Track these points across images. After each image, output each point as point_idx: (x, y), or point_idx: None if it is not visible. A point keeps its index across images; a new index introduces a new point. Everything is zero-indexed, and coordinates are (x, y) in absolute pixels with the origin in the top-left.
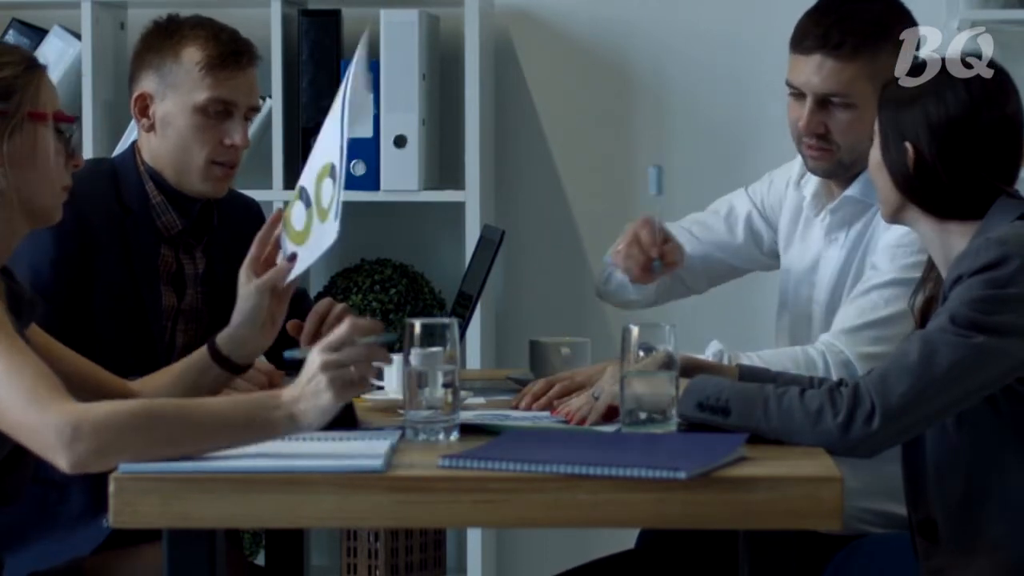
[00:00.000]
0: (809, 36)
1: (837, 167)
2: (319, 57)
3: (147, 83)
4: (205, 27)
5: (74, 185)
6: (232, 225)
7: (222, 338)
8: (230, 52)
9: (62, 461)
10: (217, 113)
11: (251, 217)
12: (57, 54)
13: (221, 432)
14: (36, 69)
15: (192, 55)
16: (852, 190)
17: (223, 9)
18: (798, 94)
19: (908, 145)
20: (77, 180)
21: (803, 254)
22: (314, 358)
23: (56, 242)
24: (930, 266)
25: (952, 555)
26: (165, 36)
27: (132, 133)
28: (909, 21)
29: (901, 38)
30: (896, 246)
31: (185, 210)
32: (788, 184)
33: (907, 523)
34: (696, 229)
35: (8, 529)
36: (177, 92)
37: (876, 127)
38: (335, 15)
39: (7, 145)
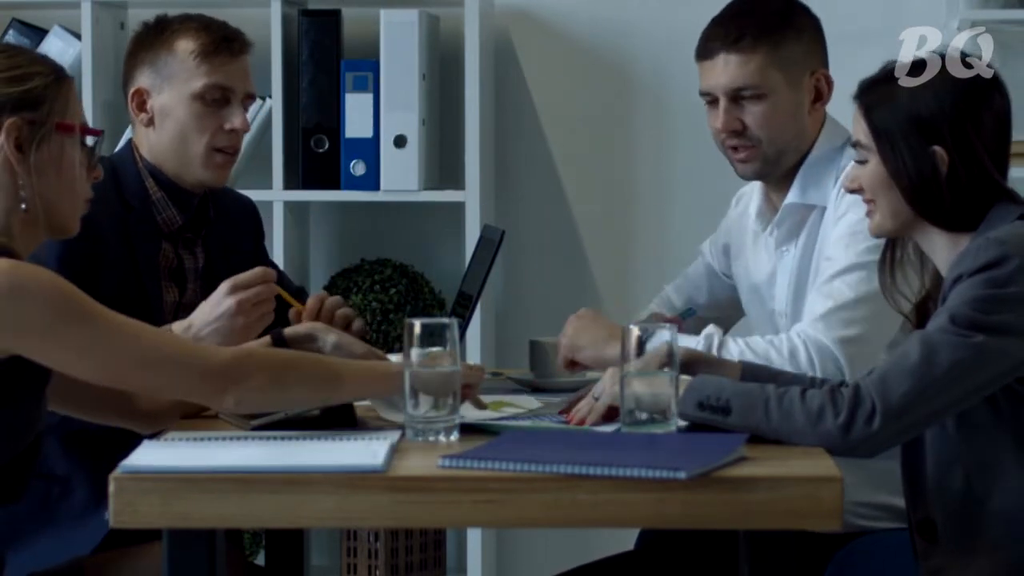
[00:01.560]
0: (711, 40)
1: (764, 164)
2: (319, 57)
3: (142, 79)
4: (195, 19)
5: None
6: (229, 221)
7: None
8: (222, 38)
9: (230, 398)
10: (215, 100)
11: (247, 213)
12: (57, 54)
13: (344, 377)
14: (65, 80)
15: (185, 45)
16: (791, 196)
17: (223, 9)
18: (712, 100)
19: (938, 149)
20: None
21: (757, 268)
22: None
23: (61, 240)
24: (921, 261)
25: (951, 555)
26: (156, 33)
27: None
28: (807, 13)
29: (803, 26)
30: (849, 235)
31: (184, 205)
32: (735, 205)
33: (904, 513)
34: (686, 294)
35: (10, 526)
36: (173, 83)
37: (869, 142)
38: (335, 15)
39: (34, 155)
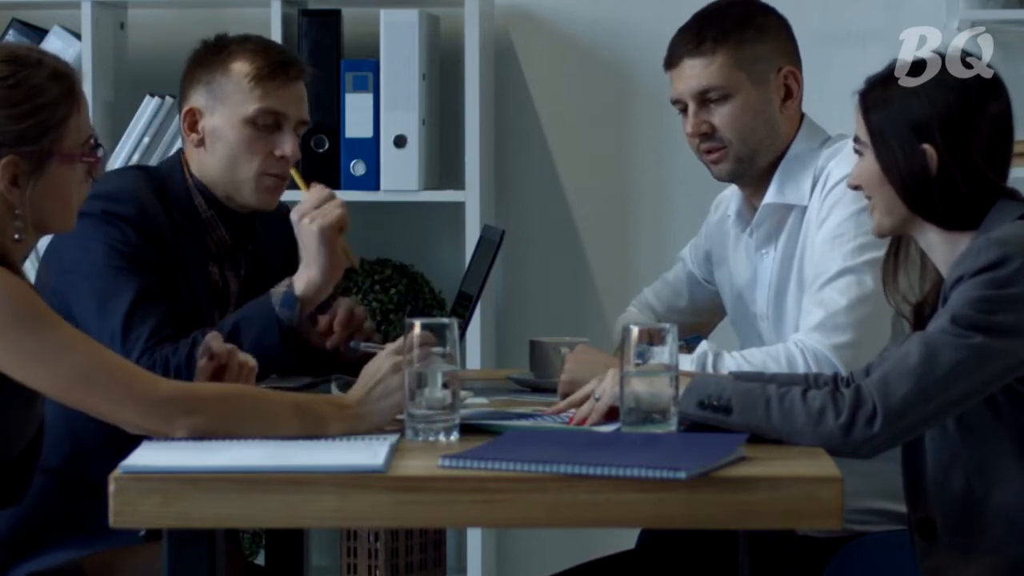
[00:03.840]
0: (674, 48)
1: (737, 164)
2: (319, 57)
3: (196, 98)
4: (253, 41)
5: (136, 194)
6: (270, 233)
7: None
8: (278, 63)
9: (181, 430)
10: (266, 125)
11: (285, 221)
12: (57, 54)
13: (290, 423)
14: (71, 98)
15: (241, 68)
16: (769, 196)
17: (223, 9)
18: (683, 108)
19: (927, 147)
20: (135, 189)
21: (738, 272)
22: (383, 361)
23: (142, 238)
24: (923, 263)
25: (949, 556)
26: (214, 52)
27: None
28: (772, 13)
29: (767, 26)
30: (832, 239)
31: (232, 223)
32: (714, 210)
33: (899, 519)
34: (666, 300)
35: (42, 530)
36: (226, 105)
37: (866, 139)
38: (335, 15)
39: (31, 187)
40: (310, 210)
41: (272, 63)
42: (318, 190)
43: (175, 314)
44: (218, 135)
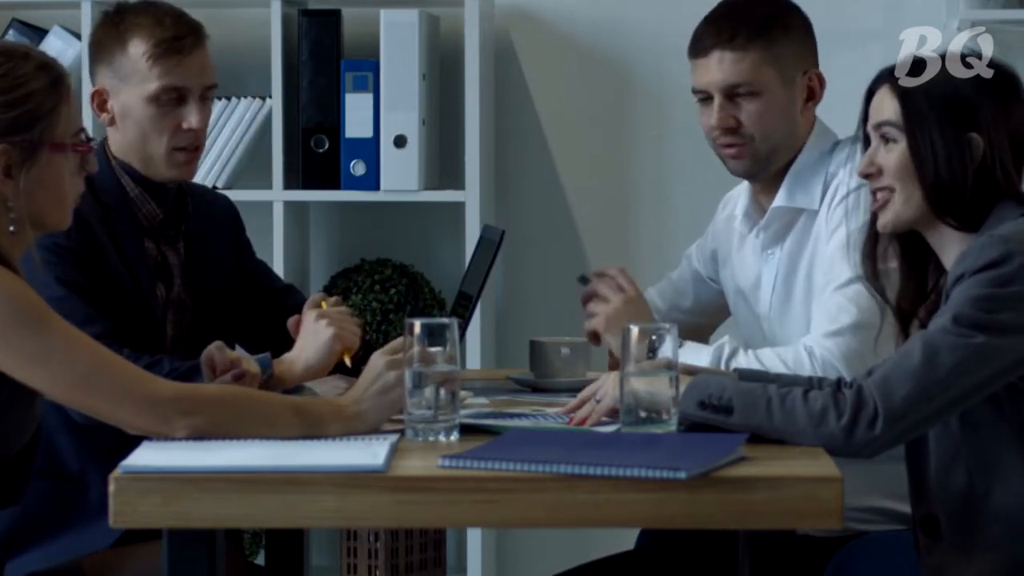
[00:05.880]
0: (704, 38)
1: (755, 162)
2: (319, 57)
3: (101, 79)
4: (150, 14)
5: None
6: (205, 218)
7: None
8: (172, 38)
9: (180, 430)
10: (170, 100)
11: (224, 210)
12: (57, 54)
13: (289, 424)
14: (60, 90)
15: (137, 46)
16: (779, 199)
17: (223, 9)
18: (705, 98)
19: (976, 136)
20: None
21: (743, 272)
22: (378, 360)
23: (65, 235)
24: (908, 267)
25: (952, 554)
26: (112, 27)
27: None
28: (798, 13)
29: (797, 25)
30: (844, 247)
31: (162, 199)
32: (722, 209)
33: (901, 519)
34: (670, 299)
35: (24, 530)
36: (129, 84)
37: (899, 121)
38: (335, 15)
39: (24, 177)
40: (332, 316)
41: (167, 39)
42: (342, 308)
43: (114, 289)
44: (126, 114)
